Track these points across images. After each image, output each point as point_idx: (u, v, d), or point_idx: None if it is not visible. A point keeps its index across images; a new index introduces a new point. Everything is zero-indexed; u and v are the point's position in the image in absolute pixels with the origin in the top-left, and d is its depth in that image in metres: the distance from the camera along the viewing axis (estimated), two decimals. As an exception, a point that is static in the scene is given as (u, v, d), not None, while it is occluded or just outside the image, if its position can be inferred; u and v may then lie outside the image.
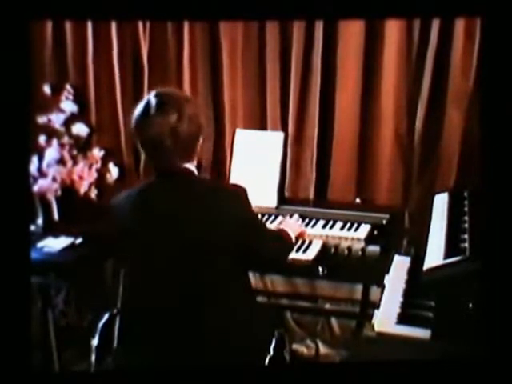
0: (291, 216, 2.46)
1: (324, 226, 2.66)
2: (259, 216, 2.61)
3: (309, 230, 2.62)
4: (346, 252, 2.50)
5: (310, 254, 2.48)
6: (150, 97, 1.81)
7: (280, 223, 2.47)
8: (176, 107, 1.77)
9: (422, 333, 1.71)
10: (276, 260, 2.14)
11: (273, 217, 2.75)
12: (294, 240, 2.19)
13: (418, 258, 2.10)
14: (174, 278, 1.82)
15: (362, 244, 2.52)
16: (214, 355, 1.82)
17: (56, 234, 2.85)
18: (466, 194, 2.40)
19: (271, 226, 2.63)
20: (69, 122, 3.22)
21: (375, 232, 2.59)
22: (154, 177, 1.88)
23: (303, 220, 2.71)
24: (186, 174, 1.85)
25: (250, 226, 1.87)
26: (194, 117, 1.81)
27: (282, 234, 2.16)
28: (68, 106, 3.23)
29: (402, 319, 1.80)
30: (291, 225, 2.28)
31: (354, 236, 2.54)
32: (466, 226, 2.08)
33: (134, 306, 1.94)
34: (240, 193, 1.85)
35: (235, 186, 1.89)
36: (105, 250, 2.73)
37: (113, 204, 1.92)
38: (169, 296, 1.84)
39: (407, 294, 1.97)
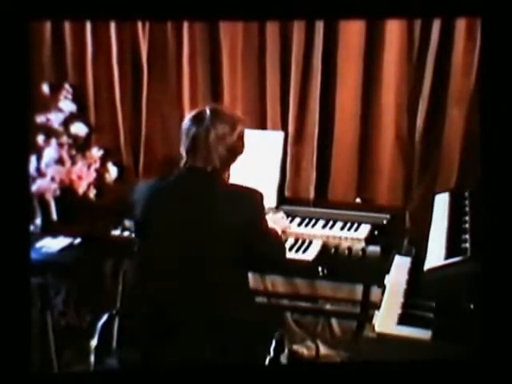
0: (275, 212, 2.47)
1: (324, 226, 2.66)
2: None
3: (309, 230, 2.62)
4: (347, 252, 2.50)
5: (310, 255, 2.47)
6: (205, 108, 1.97)
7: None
8: (230, 120, 1.95)
9: (423, 333, 1.70)
10: (279, 259, 2.19)
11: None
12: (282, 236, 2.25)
13: (418, 259, 2.09)
14: (176, 272, 1.87)
15: (363, 244, 2.51)
16: (214, 355, 1.83)
17: (54, 235, 2.83)
18: (466, 193, 2.38)
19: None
20: (67, 121, 3.20)
21: (376, 232, 2.59)
22: (183, 170, 1.96)
23: (303, 220, 2.71)
24: (212, 174, 1.93)
25: (257, 229, 1.94)
26: (242, 136, 1.99)
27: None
28: (67, 105, 3.21)
29: (403, 320, 1.78)
30: (277, 221, 2.30)
31: (355, 236, 2.54)
32: (467, 226, 2.07)
33: (136, 304, 2.01)
34: (255, 196, 1.93)
35: (252, 189, 1.95)
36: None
37: (138, 188, 2.05)
38: (169, 291, 1.87)
39: (408, 294, 1.95)
